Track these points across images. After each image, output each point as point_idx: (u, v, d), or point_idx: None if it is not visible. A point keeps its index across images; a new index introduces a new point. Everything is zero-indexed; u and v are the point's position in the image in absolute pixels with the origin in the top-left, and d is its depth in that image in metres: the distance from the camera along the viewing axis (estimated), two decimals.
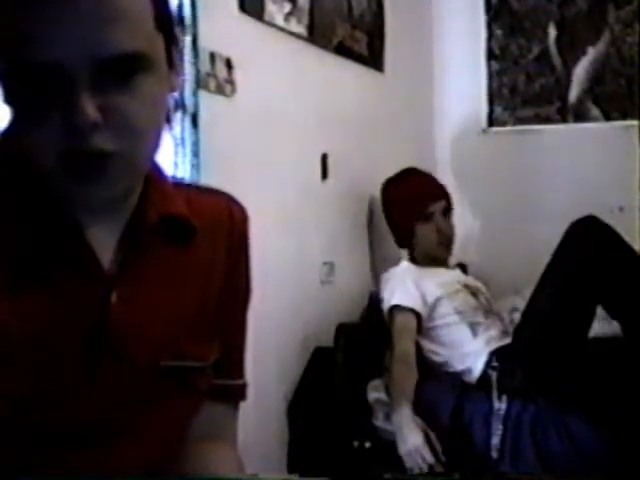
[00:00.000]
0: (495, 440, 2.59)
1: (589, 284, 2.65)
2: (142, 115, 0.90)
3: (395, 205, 3.23)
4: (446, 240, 3.18)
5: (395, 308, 2.94)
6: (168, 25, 0.96)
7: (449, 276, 3.15)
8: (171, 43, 0.96)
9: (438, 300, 2.97)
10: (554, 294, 2.74)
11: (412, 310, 2.93)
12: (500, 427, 2.60)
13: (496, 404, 2.64)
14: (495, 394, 2.66)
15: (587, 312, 2.68)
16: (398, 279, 3.03)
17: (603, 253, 2.68)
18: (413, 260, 3.18)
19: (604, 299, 2.67)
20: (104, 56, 0.86)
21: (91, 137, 0.87)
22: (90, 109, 0.86)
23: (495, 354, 2.81)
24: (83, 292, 0.96)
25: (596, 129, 3.81)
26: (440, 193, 3.22)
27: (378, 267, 3.38)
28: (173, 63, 0.97)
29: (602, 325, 2.78)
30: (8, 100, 0.92)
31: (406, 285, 2.99)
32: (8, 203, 0.95)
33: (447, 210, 3.21)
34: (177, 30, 1.01)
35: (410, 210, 3.17)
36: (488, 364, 2.79)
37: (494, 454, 2.59)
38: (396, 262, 3.24)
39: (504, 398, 2.64)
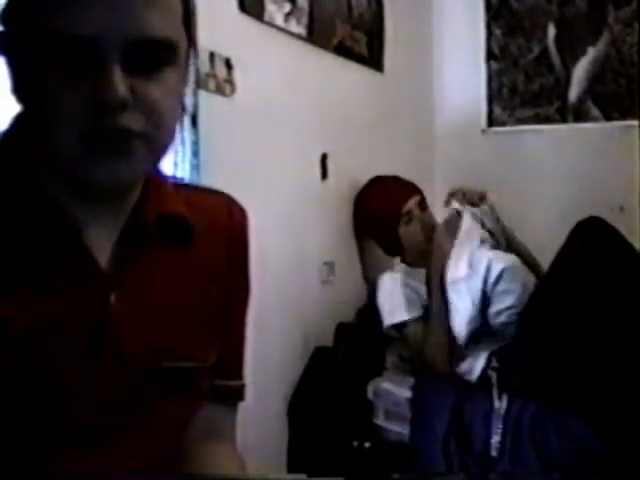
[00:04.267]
0: (495, 439, 2.59)
1: (592, 285, 2.65)
2: (166, 104, 0.92)
3: (372, 218, 3.24)
4: (432, 233, 3.18)
5: (401, 325, 2.95)
6: (190, 29, 0.97)
7: None
8: (189, 50, 0.98)
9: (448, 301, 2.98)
10: (556, 295, 2.74)
11: (418, 318, 2.94)
12: (500, 426, 2.60)
13: (496, 403, 2.64)
14: (495, 394, 2.66)
15: (589, 313, 2.67)
16: (394, 289, 3.00)
17: (606, 255, 2.68)
18: (407, 263, 3.17)
19: (607, 300, 2.66)
20: (139, 38, 0.88)
21: (119, 115, 0.88)
22: (121, 86, 0.87)
23: (495, 354, 2.81)
24: (82, 293, 0.96)
25: (596, 129, 3.81)
26: (410, 190, 3.22)
27: (371, 267, 3.36)
28: (186, 69, 0.98)
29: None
30: (26, 83, 0.91)
31: (401, 295, 2.98)
32: (6, 204, 0.95)
33: (422, 203, 3.21)
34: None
35: (388, 217, 3.16)
36: (488, 364, 2.79)
37: (494, 453, 2.59)
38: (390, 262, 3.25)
39: (504, 397, 2.64)
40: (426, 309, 2.97)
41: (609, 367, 2.57)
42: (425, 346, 2.88)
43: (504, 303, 2.87)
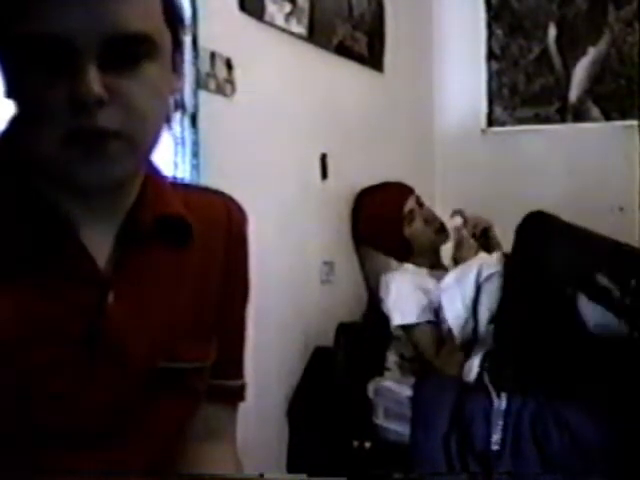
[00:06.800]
0: (495, 437, 2.59)
1: (540, 276, 2.69)
2: (145, 100, 0.91)
3: (376, 228, 3.22)
4: (438, 225, 3.18)
5: (410, 326, 2.96)
6: (175, 24, 0.97)
7: None
8: (177, 46, 0.97)
9: (442, 306, 2.98)
10: (513, 293, 2.77)
11: (428, 322, 2.95)
12: (500, 423, 2.60)
13: (496, 401, 2.64)
14: (493, 393, 2.67)
15: (550, 304, 2.69)
16: (406, 289, 3.01)
17: (544, 244, 2.72)
18: (415, 264, 3.17)
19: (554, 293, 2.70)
20: (114, 34, 0.87)
21: (95, 114, 0.87)
22: (96, 84, 0.87)
23: (487, 355, 2.82)
24: (79, 293, 0.95)
25: (596, 129, 3.81)
26: (404, 190, 3.22)
27: (372, 271, 3.36)
28: (176, 66, 0.98)
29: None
30: (12, 86, 0.92)
31: (413, 296, 2.99)
32: (3, 204, 0.95)
33: (419, 200, 3.21)
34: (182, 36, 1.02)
35: (392, 223, 3.16)
36: (483, 365, 2.80)
37: (494, 450, 2.59)
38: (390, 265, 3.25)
39: (503, 395, 2.64)
40: (436, 313, 2.97)
41: (608, 362, 2.59)
42: (441, 351, 2.90)
43: (491, 302, 2.88)
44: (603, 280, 2.63)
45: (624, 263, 2.72)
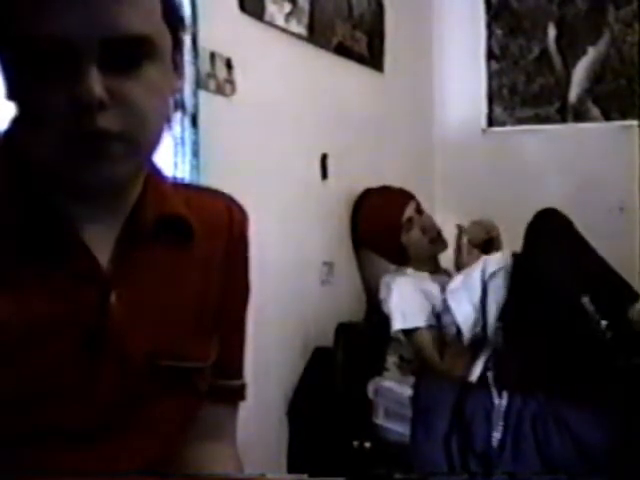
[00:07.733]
0: (496, 436, 2.60)
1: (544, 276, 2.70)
2: (147, 102, 0.91)
3: (373, 233, 3.23)
4: (434, 234, 3.18)
5: (413, 331, 2.96)
6: (175, 25, 0.97)
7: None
8: (177, 46, 0.98)
9: (444, 310, 2.98)
10: (518, 291, 2.77)
11: (430, 326, 2.95)
12: (501, 423, 2.60)
13: (496, 400, 2.64)
14: (495, 392, 2.67)
15: (553, 305, 2.69)
16: (409, 293, 3.01)
17: (549, 245, 2.73)
18: (414, 268, 3.17)
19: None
20: (114, 36, 0.88)
21: (96, 116, 0.88)
22: (97, 86, 0.87)
23: (492, 356, 2.82)
24: (82, 292, 0.96)
25: (596, 129, 3.81)
26: (404, 197, 3.22)
27: (372, 273, 3.36)
28: (177, 65, 0.98)
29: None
30: (13, 88, 0.92)
31: (415, 300, 2.99)
32: (5, 204, 0.95)
33: (418, 207, 3.20)
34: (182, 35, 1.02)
35: (390, 229, 3.16)
36: (487, 365, 2.80)
37: (495, 450, 2.59)
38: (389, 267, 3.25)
39: (505, 395, 2.64)
40: (438, 317, 2.97)
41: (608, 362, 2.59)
42: (446, 354, 2.90)
43: (498, 299, 2.88)
44: (588, 306, 2.64)
45: (609, 292, 2.73)
